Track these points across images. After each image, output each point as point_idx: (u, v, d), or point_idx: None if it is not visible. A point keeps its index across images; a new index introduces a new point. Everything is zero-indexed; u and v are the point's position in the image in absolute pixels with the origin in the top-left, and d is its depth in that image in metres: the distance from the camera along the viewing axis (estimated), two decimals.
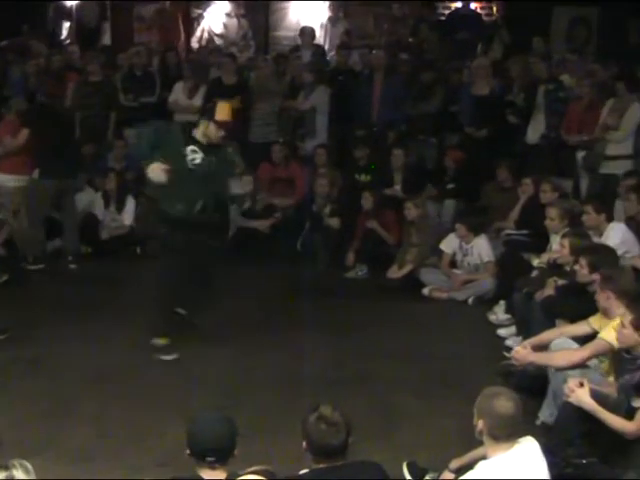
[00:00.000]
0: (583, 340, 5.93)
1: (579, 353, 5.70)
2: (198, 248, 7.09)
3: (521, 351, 6.02)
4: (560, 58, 11.30)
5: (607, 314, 5.81)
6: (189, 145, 7.01)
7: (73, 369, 6.91)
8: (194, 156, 7.00)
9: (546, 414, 5.78)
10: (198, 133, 7.07)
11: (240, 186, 9.63)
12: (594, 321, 5.97)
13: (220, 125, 6.99)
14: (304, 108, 11.12)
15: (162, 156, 7.00)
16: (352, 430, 3.99)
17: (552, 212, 8.09)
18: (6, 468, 3.52)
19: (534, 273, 7.91)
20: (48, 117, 9.58)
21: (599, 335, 5.69)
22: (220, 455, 3.92)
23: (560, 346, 5.91)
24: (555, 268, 7.52)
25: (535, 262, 8.11)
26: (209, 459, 3.90)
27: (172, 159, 6.95)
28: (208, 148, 7.04)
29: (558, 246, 7.56)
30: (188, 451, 3.97)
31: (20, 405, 6.24)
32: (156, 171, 6.83)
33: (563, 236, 7.42)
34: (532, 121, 10.30)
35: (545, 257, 7.90)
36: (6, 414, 6.06)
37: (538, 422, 5.80)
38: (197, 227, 7.05)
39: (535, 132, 10.26)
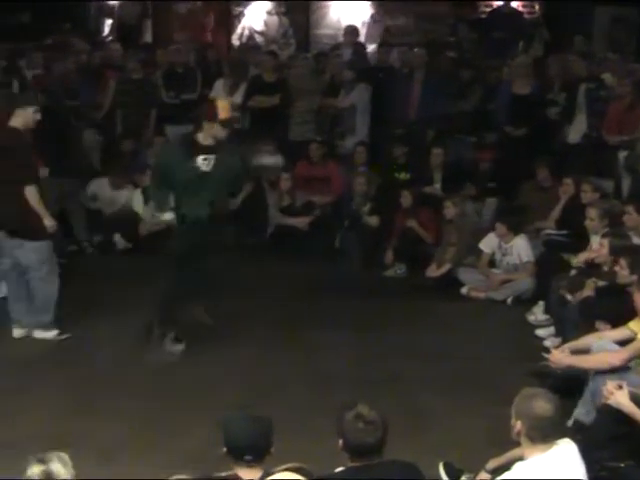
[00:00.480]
0: (623, 344, 5.86)
1: (617, 355, 5.65)
2: (211, 248, 7.15)
3: (557, 355, 5.98)
4: (602, 57, 11.20)
5: None
6: (196, 155, 6.96)
7: (102, 366, 6.99)
8: (207, 161, 6.97)
9: (582, 412, 5.74)
10: (201, 138, 7.01)
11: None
12: (634, 325, 5.90)
13: (224, 123, 7.00)
14: (344, 106, 11.11)
15: (165, 176, 7.17)
16: (388, 429, 3.98)
17: (592, 212, 8.03)
18: (43, 461, 3.54)
19: (572, 273, 7.86)
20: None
21: (639, 336, 5.63)
22: (258, 453, 3.93)
23: (602, 348, 5.85)
24: (593, 268, 7.47)
25: (574, 262, 8.06)
26: (247, 457, 3.91)
27: (178, 174, 7.01)
28: (217, 148, 7.02)
29: (598, 246, 7.51)
30: (225, 449, 3.98)
31: (48, 401, 6.32)
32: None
33: (603, 236, 7.38)
34: (574, 121, 10.22)
35: (583, 257, 7.84)
36: (34, 409, 6.15)
37: (571, 420, 5.76)
38: (214, 228, 7.11)
39: (577, 132, 10.19)
